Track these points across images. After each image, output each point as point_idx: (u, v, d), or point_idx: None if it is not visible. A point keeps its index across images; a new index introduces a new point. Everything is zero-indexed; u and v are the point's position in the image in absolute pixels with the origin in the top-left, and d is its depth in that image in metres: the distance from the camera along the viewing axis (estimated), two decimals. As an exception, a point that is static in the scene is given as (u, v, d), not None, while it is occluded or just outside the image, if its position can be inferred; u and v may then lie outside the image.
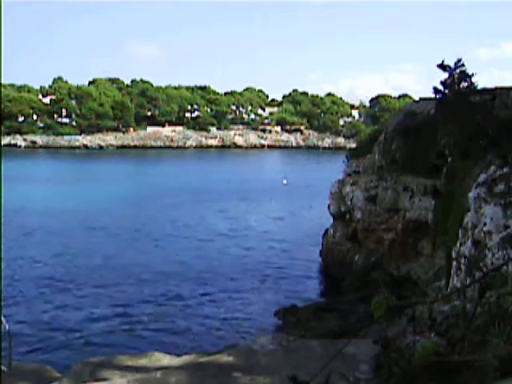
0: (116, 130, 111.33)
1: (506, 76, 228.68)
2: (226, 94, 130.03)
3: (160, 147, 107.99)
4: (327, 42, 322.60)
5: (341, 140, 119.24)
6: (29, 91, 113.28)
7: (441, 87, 15.87)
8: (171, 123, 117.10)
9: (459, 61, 15.62)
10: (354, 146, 54.90)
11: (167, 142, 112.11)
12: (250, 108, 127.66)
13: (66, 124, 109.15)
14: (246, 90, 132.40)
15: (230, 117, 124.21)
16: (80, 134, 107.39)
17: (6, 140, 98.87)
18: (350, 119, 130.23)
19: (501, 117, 14.50)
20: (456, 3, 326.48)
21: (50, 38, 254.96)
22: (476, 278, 6.66)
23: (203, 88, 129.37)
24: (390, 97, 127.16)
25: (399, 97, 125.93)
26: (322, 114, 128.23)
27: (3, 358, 7.45)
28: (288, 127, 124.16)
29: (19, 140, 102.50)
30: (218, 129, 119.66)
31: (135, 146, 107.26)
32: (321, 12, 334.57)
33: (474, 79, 15.69)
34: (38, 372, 7.86)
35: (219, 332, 16.16)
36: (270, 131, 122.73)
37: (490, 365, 4.08)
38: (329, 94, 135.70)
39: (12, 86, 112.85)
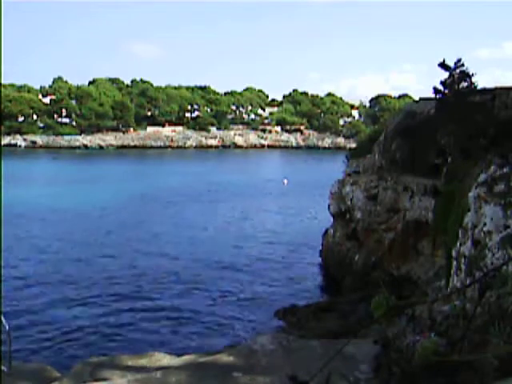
0: (116, 130, 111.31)
1: (508, 76, 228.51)
2: (226, 94, 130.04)
3: (160, 147, 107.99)
4: (327, 42, 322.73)
5: (341, 140, 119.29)
6: (29, 91, 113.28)
7: (441, 87, 15.87)
8: (171, 123, 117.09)
9: (459, 61, 15.63)
10: (354, 146, 54.90)
11: (167, 141, 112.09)
12: (249, 108, 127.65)
13: (66, 124, 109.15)
14: (246, 90, 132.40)
15: (230, 117, 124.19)
16: (80, 134, 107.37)
17: (6, 140, 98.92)
18: (350, 119, 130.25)
19: (501, 117, 14.51)
20: (456, 3, 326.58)
21: (50, 38, 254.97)
22: (476, 278, 6.66)
23: (203, 88, 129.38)
24: (390, 97, 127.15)
25: (399, 97, 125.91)
26: (322, 114, 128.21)
27: (3, 358, 7.45)
28: (288, 127, 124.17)
29: (19, 140, 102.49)
30: (218, 129, 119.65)
31: (135, 146, 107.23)
32: (321, 12, 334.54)
33: (474, 79, 15.70)
34: (38, 372, 7.86)
35: (219, 332, 16.16)
36: (270, 131, 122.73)
37: (490, 365, 4.08)
38: (329, 94, 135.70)
39: (12, 85, 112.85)
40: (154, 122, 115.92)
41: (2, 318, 7.84)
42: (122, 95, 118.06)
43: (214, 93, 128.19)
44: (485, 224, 8.69)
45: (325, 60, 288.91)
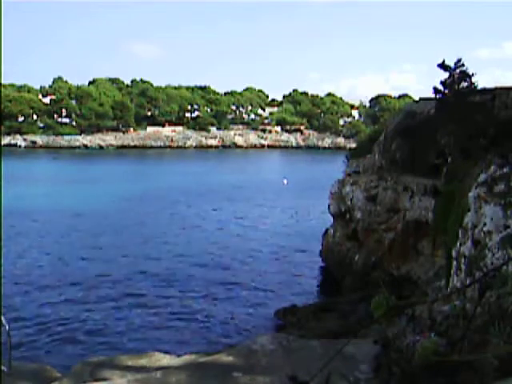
0: (116, 130, 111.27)
1: (508, 76, 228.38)
2: (226, 94, 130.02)
3: (160, 147, 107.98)
4: (327, 42, 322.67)
5: (341, 140, 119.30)
6: (29, 91, 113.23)
7: (441, 87, 15.87)
8: (171, 123, 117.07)
9: (459, 61, 15.62)
10: (354, 146, 54.90)
11: (167, 141, 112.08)
12: (249, 108, 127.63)
13: (66, 124, 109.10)
14: (246, 90, 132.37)
15: (230, 117, 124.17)
16: (80, 134, 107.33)
17: (6, 140, 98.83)
18: (350, 119, 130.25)
19: (501, 117, 14.51)
20: (456, 3, 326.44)
21: (50, 38, 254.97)
22: (476, 277, 6.66)
23: (203, 88, 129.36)
24: (390, 97, 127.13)
25: (399, 97, 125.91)
26: (322, 114, 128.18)
27: (3, 357, 7.44)
28: (288, 127, 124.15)
29: (19, 140, 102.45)
30: (218, 129, 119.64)
31: (135, 146, 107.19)
32: (321, 12, 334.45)
33: (474, 79, 15.70)
34: (38, 372, 7.86)
35: (219, 332, 16.16)
36: (270, 131, 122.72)
37: (490, 365, 4.08)
38: (329, 94, 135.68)
39: (12, 85, 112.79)
40: (154, 121, 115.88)
41: (2, 318, 7.83)
42: (122, 95, 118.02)
43: (214, 93, 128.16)
44: (485, 224, 8.69)
45: (325, 60, 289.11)
